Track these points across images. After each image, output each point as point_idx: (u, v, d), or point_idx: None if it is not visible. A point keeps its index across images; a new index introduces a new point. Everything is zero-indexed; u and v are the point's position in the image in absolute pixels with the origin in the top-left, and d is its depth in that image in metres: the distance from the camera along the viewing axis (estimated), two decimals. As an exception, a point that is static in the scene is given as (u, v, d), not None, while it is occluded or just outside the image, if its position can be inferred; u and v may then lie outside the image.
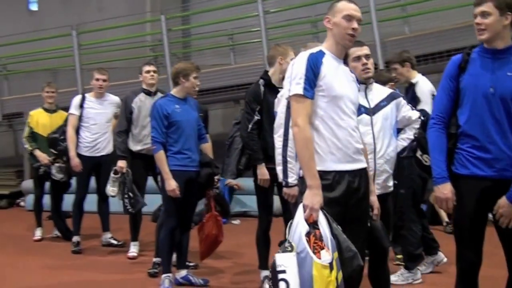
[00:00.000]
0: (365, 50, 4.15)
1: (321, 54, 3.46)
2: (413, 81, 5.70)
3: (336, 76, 3.44)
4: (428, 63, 7.92)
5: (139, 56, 11.69)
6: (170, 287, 5.43)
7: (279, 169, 4.34)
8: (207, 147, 5.84)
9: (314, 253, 3.11)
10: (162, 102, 5.51)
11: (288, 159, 4.18)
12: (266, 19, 9.97)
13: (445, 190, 3.46)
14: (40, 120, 7.93)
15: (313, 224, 3.21)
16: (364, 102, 4.13)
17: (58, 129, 7.41)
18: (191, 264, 6.23)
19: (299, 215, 3.25)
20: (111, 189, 6.66)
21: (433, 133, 3.55)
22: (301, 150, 3.34)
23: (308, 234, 3.17)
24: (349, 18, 3.44)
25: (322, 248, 3.13)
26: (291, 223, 3.30)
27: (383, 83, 6.13)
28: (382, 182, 4.20)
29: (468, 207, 3.45)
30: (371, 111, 4.17)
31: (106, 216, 7.57)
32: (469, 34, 6.76)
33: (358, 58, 4.12)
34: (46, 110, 8.05)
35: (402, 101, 4.38)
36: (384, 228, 3.91)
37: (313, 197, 3.25)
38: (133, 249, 6.84)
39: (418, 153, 3.85)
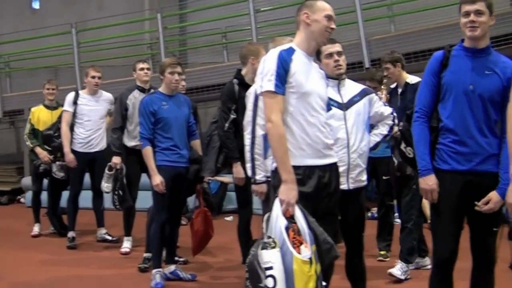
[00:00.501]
0: (337, 47, 4.21)
1: (291, 51, 3.50)
2: (411, 81, 5.68)
3: (306, 73, 3.49)
4: (411, 62, 7.94)
5: (137, 54, 11.73)
6: (162, 282, 5.46)
7: (247, 166, 4.40)
8: (197, 143, 5.85)
9: (294, 247, 3.16)
10: (149, 99, 5.55)
11: (256, 156, 4.24)
12: (257, 17, 10.00)
13: (430, 182, 3.53)
14: (41, 117, 7.99)
15: (290, 219, 3.26)
16: (337, 97, 4.20)
17: (53, 125, 7.48)
18: (181, 259, 6.28)
19: (277, 210, 3.29)
20: (105, 185, 6.71)
21: (417, 126, 3.61)
22: (276, 145, 3.38)
23: (287, 229, 3.22)
24: (329, 17, 3.52)
25: (301, 243, 3.18)
26: (268, 219, 3.33)
27: (378, 82, 6.20)
28: (355, 176, 4.24)
29: (449, 200, 3.53)
30: (344, 106, 4.22)
31: (101, 212, 7.64)
32: (452, 33, 6.87)
33: (331, 55, 4.18)
34: (47, 107, 8.12)
35: (374, 97, 4.43)
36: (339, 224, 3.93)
37: (289, 191, 3.30)
38: (126, 245, 6.90)
39: (402, 146, 3.84)
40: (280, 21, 10.26)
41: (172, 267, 5.76)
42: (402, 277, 5.38)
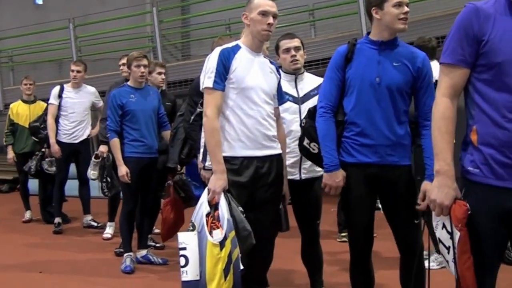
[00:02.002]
0: (295, 42, 4.34)
1: (236, 48, 3.71)
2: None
3: (248, 68, 3.68)
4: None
5: (138, 47, 12.02)
6: (131, 265, 5.74)
7: (200, 152, 4.56)
8: (168, 134, 6.06)
9: (210, 232, 3.39)
10: (117, 92, 5.79)
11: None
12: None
13: (337, 178, 3.56)
14: (20, 110, 8.51)
15: (215, 206, 3.49)
16: (293, 92, 4.35)
17: (39, 118, 7.88)
18: (157, 244, 6.61)
19: (204, 197, 3.55)
20: (92, 172, 7.04)
21: (323, 121, 3.62)
22: (208, 138, 3.62)
23: (208, 215, 3.46)
24: (264, 13, 3.64)
25: (217, 228, 3.41)
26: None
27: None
28: (308, 166, 4.37)
29: (356, 193, 3.60)
30: (300, 100, 4.36)
31: (86, 200, 8.02)
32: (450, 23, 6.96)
33: (288, 50, 4.32)
34: (25, 101, 8.63)
35: None
36: (286, 213, 4.12)
37: (217, 181, 3.52)
38: (108, 230, 7.25)
39: (306, 142, 3.80)
40: (285, 11, 10.44)
41: (144, 252, 6.04)
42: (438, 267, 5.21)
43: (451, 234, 2.57)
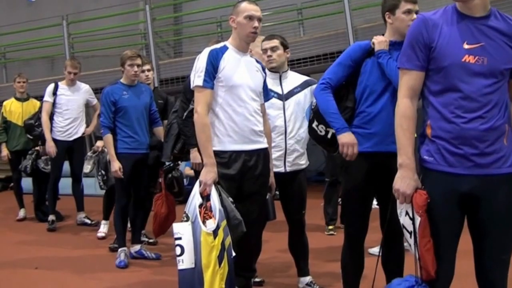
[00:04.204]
0: (271, 43, 4.65)
1: (223, 49, 3.96)
2: None
3: (236, 68, 3.93)
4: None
5: (131, 44, 12.24)
6: (125, 260, 5.92)
7: None
8: (159, 130, 6.29)
9: (203, 222, 3.62)
10: (110, 90, 5.99)
11: None
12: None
13: (350, 137, 3.73)
14: (13, 108, 8.67)
15: (206, 197, 3.72)
16: (277, 89, 4.64)
17: (34, 115, 8.04)
18: (150, 240, 6.81)
19: (196, 189, 3.77)
20: (86, 166, 7.30)
21: (327, 94, 3.81)
22: (199, 133, 3.86)
23: (200, 206, 3.69)
24: (250, 17, 3.92)
25: (210, 218, 3.64)
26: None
27: None
28: (292, 160, 4.68)
29: (356, 180, 3.81)
30: (284, 97, 4.65)
31: (80, 197, 8.19)
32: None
33: (265, 50, 4.65)
34: (18, 99, 8.79)
35: None
36: (273, 203, 4.36)
37: (207, 174, 3.76)
38: (102, 229, 7.36)
39: (314, 124, 3.99)
40: (276, 9, 10.70)
41: (137, 247, 6.24)
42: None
43: (412, 220, 2.90)
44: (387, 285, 3.06)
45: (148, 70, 6.69)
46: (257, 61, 4.20)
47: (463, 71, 2.80)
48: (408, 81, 2.97)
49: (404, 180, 2.90)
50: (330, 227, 7.06)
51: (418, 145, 3.01)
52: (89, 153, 7.28)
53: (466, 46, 2.81)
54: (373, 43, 3.81)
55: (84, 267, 6.01)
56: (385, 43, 3.79)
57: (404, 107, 2.96)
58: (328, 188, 7.23)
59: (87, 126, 8.08)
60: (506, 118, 2.84)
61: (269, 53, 4.64)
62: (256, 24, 3.94)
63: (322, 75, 3.98)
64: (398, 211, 3.00)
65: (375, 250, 5.45)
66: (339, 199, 7.70)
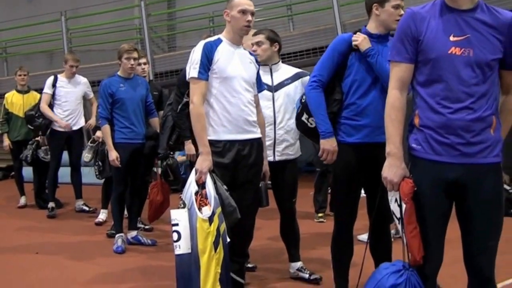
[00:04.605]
0: (256, 38, 4.64)
1: (218, 41, 3.92)
2: None
3: (229, 60, 3.90)
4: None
5: (126, 38, 12.10)
6: (122, 245, 5.92)
7: None
8: (155, 121, 6.27)
9: (199, 209, 3.59)
10: (108, 82, 5.98)
11: None
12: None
13: (333, 144, 3.75)
14: (14, 100, 8.66)
15: (202, 185, 3.69)
16: (267, 80, 4.61)
17: (34, 107, 7.97)
18: (146, 227, 6.80)
19: (192, 177, 3.74)
20: (86, 155, 7.23)
21: (317, 94, 3.80)
22: (194, 123, 3.83)
23: (196, 193, 3.67)
24: (244, 11, 3.89)
25: (206, 205, 3.62)
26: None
27: None
28: (282, 150, 4.65)
29: (346, 170, 3.81)
30: (273, 88, 4.63)
31: (78, 185, 8.17)
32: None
33: (252, 45, 4.62)
34: (19, 91, 8.76)
35: (308, 78, 4.75)
36: (266, 190, 4.30)
37: (203, 162, 3.73)
38: (101, 216, 7.37)
39: (304, 117, 3.96)
40: (266, 5, 10.67)
41: (134, 233, 6.22)
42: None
43: (400, 207, 2.89)
44: (376, 269, 3.04)
45: (144, 64, 6.65)
46: (251, 53, 4.17)
47: (449, 63, 2.78)
48: (397, 73, 2.95)
49: (392, 168, 2.90)
50: (320, 214, 7.10)
51: (406, 134, 2.99)
52: (89, 143, 7.22)
53: (452, 39, 2.80)
54: (356, 46, 3.76)
55: (82, 252, 5.99)
56: (366, 40, 3.75)
57: (393, 98, 2.95)
58: (319, 177, 7.25)
59: (86, 120, 8.06)
60: (494, 109, 2.82)
61: (254, 47, 4.61)
62: (249, 18, 3.92)
63: (312, 69, 3.95)
64: (389, 198, 2.99)
65: (364, 237, 5.46)
66: (329, 188, 7.77)
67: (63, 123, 7.68)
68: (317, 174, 7.29)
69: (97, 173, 6.92)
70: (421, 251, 2.83)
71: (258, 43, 4.63)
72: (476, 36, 2.79)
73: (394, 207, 2.95)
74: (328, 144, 3.77)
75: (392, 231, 5.26)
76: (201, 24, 12.21)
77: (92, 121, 7.86)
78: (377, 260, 3.76)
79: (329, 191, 7.71)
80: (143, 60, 6.61)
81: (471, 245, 2.91)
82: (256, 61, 4.20)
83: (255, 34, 4.66)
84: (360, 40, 3.74)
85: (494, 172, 2.84)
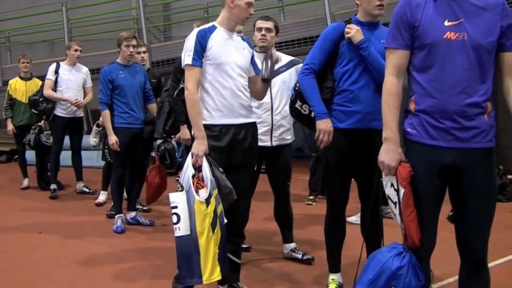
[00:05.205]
0: (267, 24, 4.49)
1: (212, 28, 3.74)
2: None
3: (224, 46, 3.72)
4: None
5: (124, 28, 11.93)
6: (122, 225, 5.84)
7: None
8: (153, 107, 6.15)
9: (196, 192, 3.46)
10: (107, 69, 5.86)
11: None
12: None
13: (329, 124, 3.61)
14: (17, 86, 8.54)
15: (198, 168, 3.55)
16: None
17: (38, 92, 7.82)
18: (144, 208, 6.69)
19: (188, 161, 3.60)
20: (93, 140, 7.06)
21: (310, 79, 3.69)
22: (190, 109, 3.67)
23: (193, 176, 3.53)
24: (249, 4, 3.74)
25: (203, 187, 3.49)
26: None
27: None
28: (278, 135, 4.55)
29: (338, 155, 3.70)
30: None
31: (79, 168, 8.08)
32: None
33: (260, 29, 4.48)
34: (22, 78, 8.64)
35: (301, 66, 4.67)
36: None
37: (199, 146, 3.58)
38: (101, 197, 7.28)
39: (298, 104, 3.86)
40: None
41: (133, 214, 6.13)
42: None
43: (397, 191, 2.78)
44: (375, 252, 2.93)
45: (144, 52, 6.53)
46: (243, 39, 3.98)
47: (445, 48, 2.67)
48: (394, 60, 2.84)
49: (388, 153, 2.79)
50: (311, 197, 7.00)
51: (401, 119, 2.89)
52: (95, 127, 7.05)
53: (447, 23, 2.68)
54: (348, 38, 3.63)
55: (84, 231, 5.92)
56: (359, 32, 3.63)
57: (390, 84, 2.84)
58: (314, 162, 7.14)
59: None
60: (490, 95, 2.71)
61: (263, 32, 4.47)
62: (252, 11, 3.79)
63: (302, 58, 3.86)
64: (384, 182, 2.88)
65: (353, 218, 5.38)
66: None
67: (72, 100, 7.55)
68: (313, 158, 7.20)
69: (107, 155, 6.72)
70: (419, 234, 2.74)
71: (268, 30, 4.48)
72: (470, 20, 2.67)
73: (389, 191, 2.84)
74: (324, 125, 3.63)
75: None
76: (196, 15, 12.04)
77: (84, 101, 7.75)
78: (368, 241, 3.65)
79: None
80: (142, 49, 6.49)
81: (464, 228, 2.81)
82: (250, 45, 4.01)
83: (264, 19, 4.50)
84: (353, 33, 3.62)
85: (487, 157, 2.74)
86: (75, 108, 7.64)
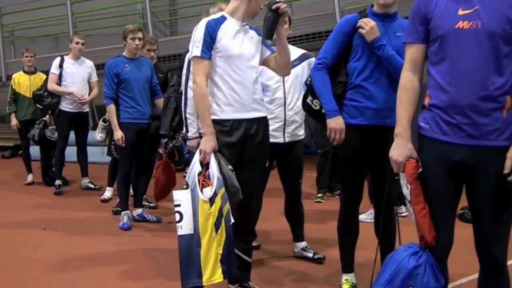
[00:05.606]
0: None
1: (221, 19, 3.63)
2: None
3: (234, 38, 3.61)
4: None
5: (129, 23, 11.79)
6: (128, 222, 5.79)
7: (184, 124, 4.52)
8: (160, 102, 6.02)
9: (201, 190, 3.37)
10: (113, 62, 5.79)
11: (188, 115, 4.37)
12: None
13: (340, 122, 3.54)
14: (21, 80, 8.49)
15: (206, 165, 3.46)
16: None
17: (42, 86, 7.77)
18: (151, 204, 6.65)
19: (196, 158, 3.52)
20: (100, 135, 6.97)
21: (322, 75, 3.62)
22: (198, 103, 3.58)
23: (199, 174, 3.44)
24: None
25: (208, 186, 3.39)
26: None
27: None
28: (291, 131, 4.47)
29: (351, 151, 3.63)
30: None
31: (84, 164, 8.02)
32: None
33: None
34: (26, 72, 8.58)
35: (314, 60, 4.44)
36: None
37: (207, 142, 3.49)
38: (107, 194, 7.23)
39: (309, 99, 3.80)
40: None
41: (139, 210, 6.08)
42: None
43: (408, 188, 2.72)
44: (392, 252, 2.86)
45: (154, 51, 6.48)
46: (251, 28, 3.83)
47: (457, 39, 2.57)
48: (410, 54, 2.78)
49: (397, 148, 2.74)
50: (319, 195, 6.93)
51: (417, 114, 2.82)
52: (101, 122, 6.97)
53: (461, 12, 2.57)
54: (362, 33, 3.54)
55: (89, 228, 5.89)
56: (373, 29, 3.52)
57: (404, 80, 2.78)
58: (320, 159, 7.07)
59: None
60: (508, 88, 2.57)
61: None
62: (262, 6, 3.70)
63: (312, 53, 3.74)
64: (402, 182, 2.81)
65: (362, 216, 5.31)
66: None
67: (78, 94, 7.51)
68: (319, 155, 7.13)
69: (113, 151, 6.60)
70: (432, 232, 2.67)
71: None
72: (486, 6, 2.54)
73: (405, 191, 2.78)
74: (335, 123, 3.56)
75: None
76: (202, 10, 11.92)
77: (89, 97, 7.72)
78: (382, 240, 3.58)
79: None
80: (154, 47, 6.44)
81: (480, 233, 2.71)
82: (258, 32, 3.86)
83: None
84: (367, 29, 3.53)
85: (501, 156, 2.55)
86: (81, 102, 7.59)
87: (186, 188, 3.41)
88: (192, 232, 3.35)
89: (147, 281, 4.27)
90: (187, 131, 4.30)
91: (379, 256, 3.20)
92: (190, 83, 4.46)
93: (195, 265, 3.34)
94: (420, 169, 2.69)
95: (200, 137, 4.42)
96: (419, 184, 2.67)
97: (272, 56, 3.82)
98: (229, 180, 3.48)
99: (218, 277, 3.36)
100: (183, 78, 4.52)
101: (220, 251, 3.37)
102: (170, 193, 6.02)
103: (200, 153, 3.50)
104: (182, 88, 4.55)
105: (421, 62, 2.78)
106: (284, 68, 3.85)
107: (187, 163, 8.43)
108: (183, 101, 4.31)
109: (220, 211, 3.38)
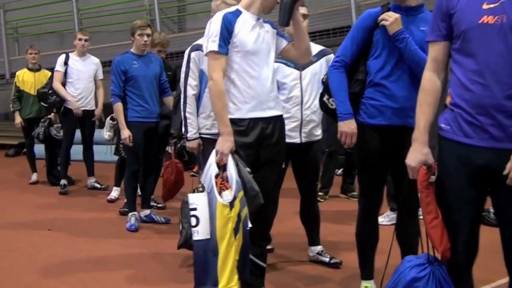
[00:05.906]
0: (303, 10, 4.15)
1: (237, 12, 3.48)
2: None
3: (250, 33, 3.46)
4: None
5: (137, 19, 11.79)
6: (136, 223, 5.67)
7: (183, 123, 4.46)
8: (169, 100, 5.89)
9: (219, 193, 3.23)
10: (120, 59, 5.65)
11: (187, 115, 4.29)
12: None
13: (352, 126, 3.45)
14: (25, 78, 8.38)
15: (223, 167, 3.32)
16: None
17: (47, 84, 7.67)
18: (159, 205, 6.52)
19: (212, 159, 3.36)
20: (107, 133, 6.83)
21: (339, 74, 3.52)
22: (215, 101, 3.41)
23: (217, 176, 3.30)
24: None
25: (227, 189, 3.26)
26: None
27: None
28: (308, 131, 4.31)
29: (370, 153, 3.49)
30: (301, 67, 4.23)
31: (90, 163, 7.92)
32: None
33: None
34: (30, 69, 8.47)
35: (332, 56, 4.34)
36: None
37: (224, 143, 3.34)
38: (113, 194, 7.12)
39: (325, 97, 3.69)
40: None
41: (147, 211, 5.96)
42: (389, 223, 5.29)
43: None
44: (401, 262, 2.72)
45: (164, 52, 6.38)
46: (265, 21, 3.66)
47: (481, 34, 2.41)
48: (432, 53, 2.64)
49: (412, 153, 2.62)
50: (320, 193, 6.70)
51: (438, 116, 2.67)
52: (109, 120, 6.83)
53: (485, 6, 2.41)
54: (385, 25, 3.38)
55: (95, 229, 5.79)
56: (397, 22, 3.36)
57: (425, 80, 2.65)
58: (326, 158, 6.94)
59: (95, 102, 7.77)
60: None
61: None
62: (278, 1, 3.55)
63: (330, 49, 3.68)
64: None
65: (379, 219, 5.14)
66: (336, 170, 7.49)
67: (75, 105, 7.39)
68: (325, 154, 6.97)
69: (121, 149, 6.44)
70: (445, 243, 2.52)
71: (304, 16, 4.16)
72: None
73: None
74: (346, 127, 3.45)
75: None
76: (210, 6, 11.84)
77: (98, 111, 7.65)
78: (403, 248, 3.47)
79: (337, 172, 7.52)
80: (165, 49, 6.36)
81: (506, 242, 2.54)
82: (272, 26, 3.71)
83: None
84: (390, 22, 3.36)
85: None
86: (87, 100, 7.52)
87: (202, 191, 3.28)
88: (208, 237, 3.23)
89: (156, 285, 4.16)
90: (186, 131, 4.18)
91: (392, 262, 3.05)
92: (190, 81, 4.36)
93: (211, 273, 3.22)
94: (434, 177, 2.57)
95: (200, 137, 4.34)
96: (431, 192, 2.56)
97: (289, 45, 3.67)
98: (248, 184, 3.34)
99: (235, 284, 3.23)
100: (182, 75, 4.41)
101: (237, 257, 3.25)
102: (178, 193, 6.08)
103: (217, 154, 3.35)
104: (181, 85, 4.43)
105: (444, 61, 2.64)
106: (305, 54, 3.71)
107: (197, 161, 8.35)
108: (182, 100, 4.18)
109: (239, 215, 3.25)
